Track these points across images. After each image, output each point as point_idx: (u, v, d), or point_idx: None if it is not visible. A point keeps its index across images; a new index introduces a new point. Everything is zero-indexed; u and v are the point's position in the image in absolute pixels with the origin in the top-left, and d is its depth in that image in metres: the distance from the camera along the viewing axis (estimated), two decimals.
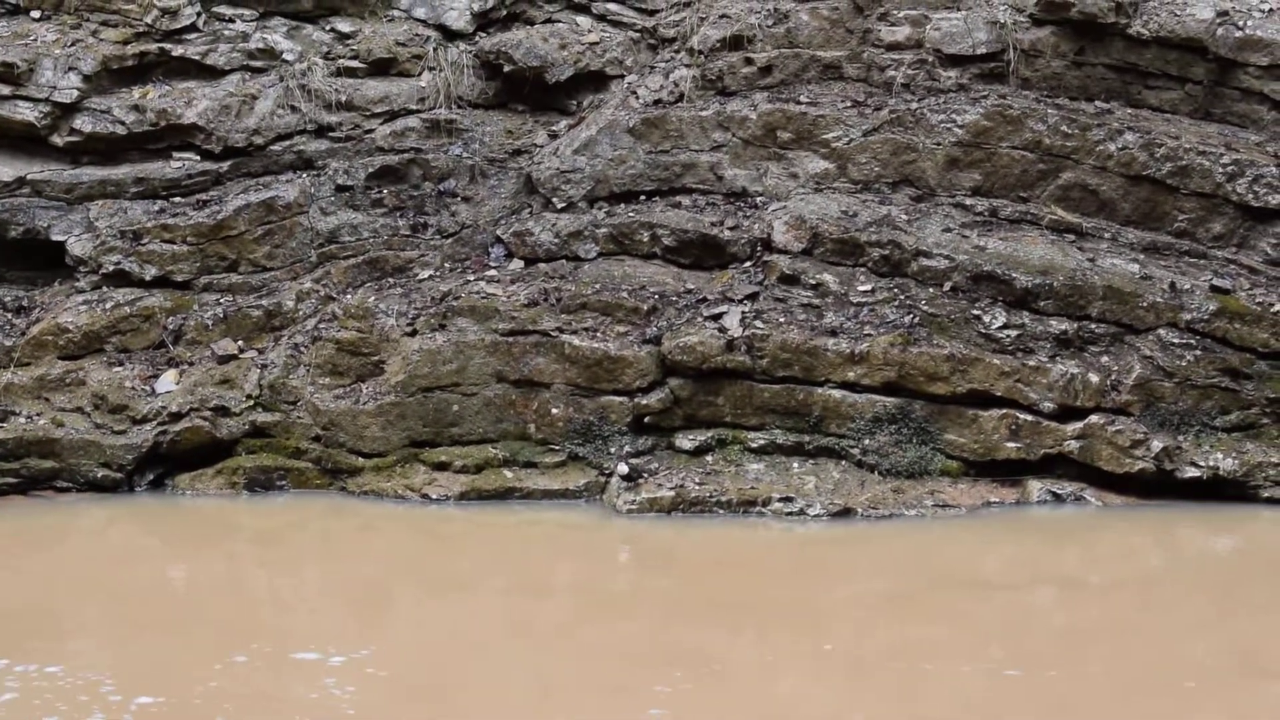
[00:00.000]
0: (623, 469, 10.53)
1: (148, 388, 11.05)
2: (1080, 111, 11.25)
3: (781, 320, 10.77)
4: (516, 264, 11.31)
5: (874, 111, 11.36)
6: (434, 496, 10.64)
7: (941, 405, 10.66)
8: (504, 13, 12.01)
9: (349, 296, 11.29)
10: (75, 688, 7.17)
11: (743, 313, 10.78)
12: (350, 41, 11.88)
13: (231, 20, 11.84)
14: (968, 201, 11.25)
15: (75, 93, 11.55)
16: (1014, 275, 10.82)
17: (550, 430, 10.77)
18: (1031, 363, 10.67)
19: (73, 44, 11.63)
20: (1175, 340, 10.74)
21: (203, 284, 11.45)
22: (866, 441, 10.63)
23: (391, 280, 11.41)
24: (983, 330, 10.72)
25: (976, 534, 9.97)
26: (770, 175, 11.41)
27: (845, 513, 10.26)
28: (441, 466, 10.77)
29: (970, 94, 11.35)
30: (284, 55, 11.79)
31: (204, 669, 7.41)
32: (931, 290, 10.86)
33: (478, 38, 11.96)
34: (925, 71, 11.39)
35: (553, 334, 10.82)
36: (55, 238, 11.57)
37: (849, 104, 11.41)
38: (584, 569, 9.49)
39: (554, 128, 11.80)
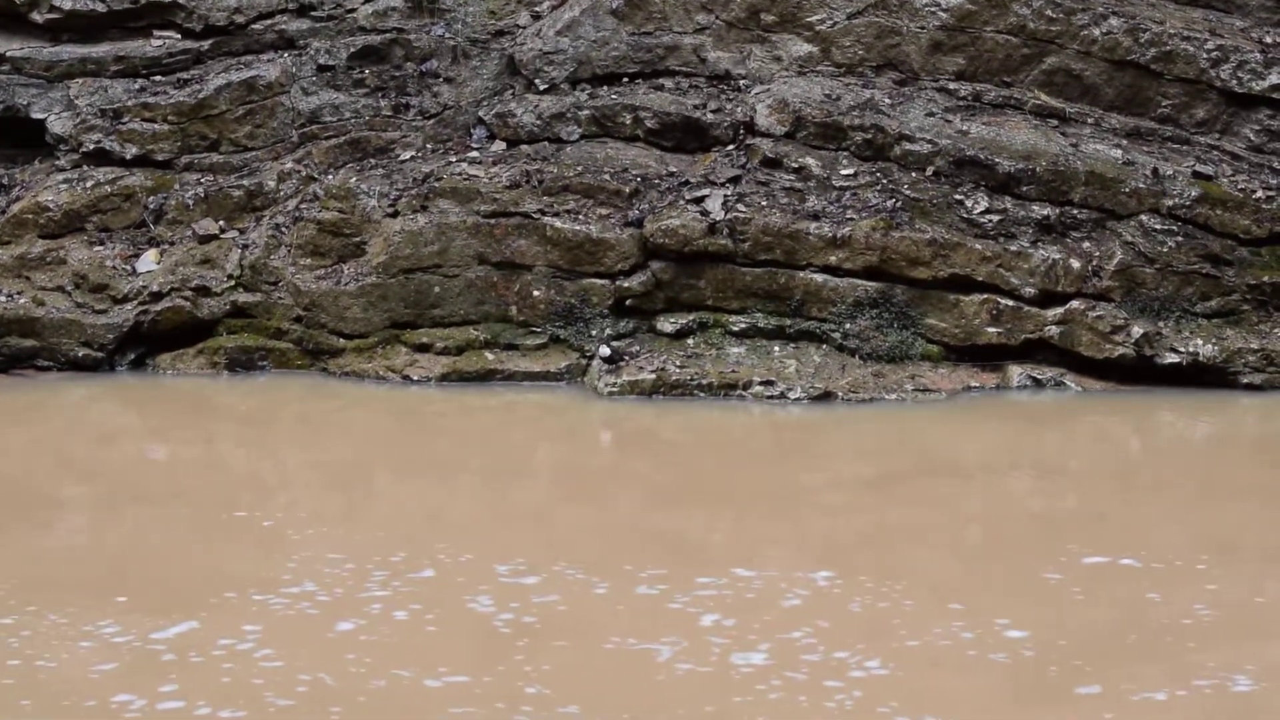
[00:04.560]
0: (604, 351, 10.54)
1: (129, 267, 11.04)
2: None
3: (764, 204, 10.75)
4: (498, 145, 11.28)
5: None
6: (415, 378, 10.65)
7: (923, 290, 10.67)
8: None
9: (330, 177, 11.25)
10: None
11: (725, 196, 10.76)
12: None
13: None
14: (951, 86, 11.21)
15: None
16: (997, 160, 10.80)
17: (532, 312, 10.77)
18: (1013, 248, 10.67)
19: None
20: (1157, 226, 10.74)
21: (184, 163, 11.41)
22: (848, 326, 10.64)
23: (373, 161, 11.37)
24: (965, 215, 10.72)
25: (956, 418, 9.99)
26: (754, 58, 11.36)
27: (826, 396, 10.28)
28: (423, 348, 10.78)
29: None
30: None
31: (184, 542, 7.48)
32: (914, 175, 10.84)
33: None
34: None
35: (534, 216, 10.80)
36: (35, 115, 11.53)
37: None
38: (564, 451, 9.51)
39: (537, 8, 11.73)
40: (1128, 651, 6.18)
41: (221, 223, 11.21)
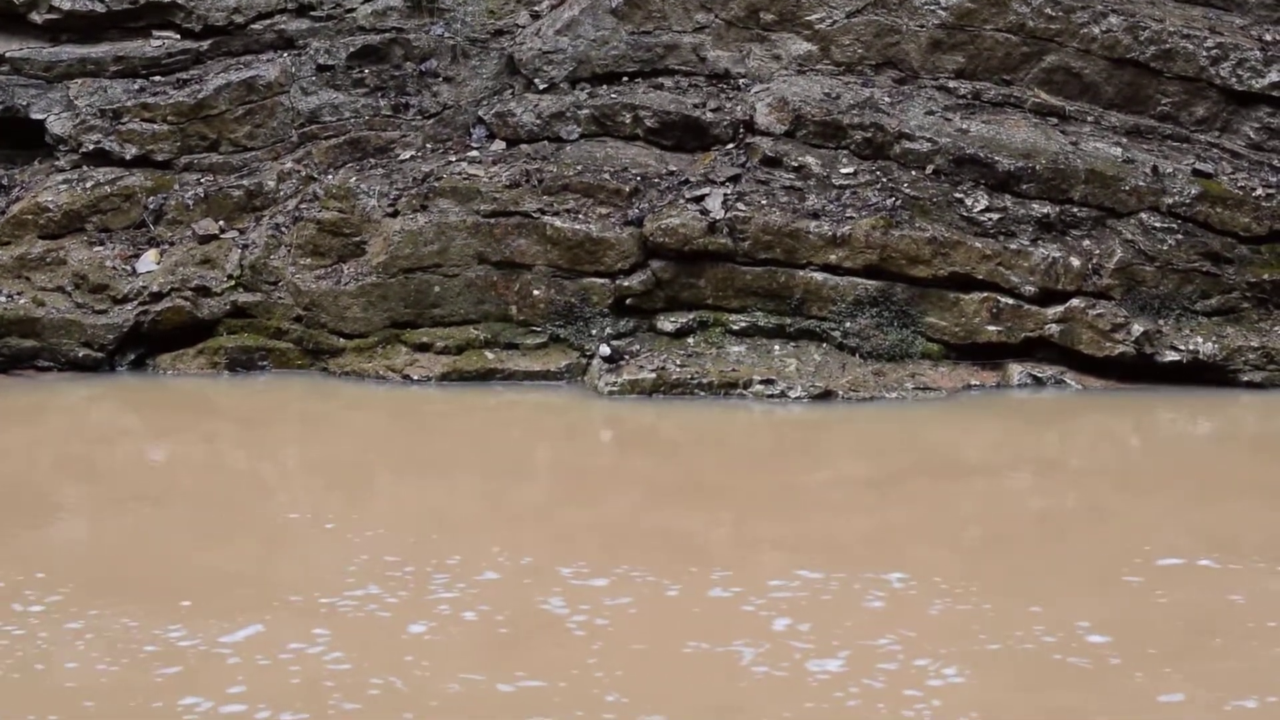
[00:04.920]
0: (604, 351, 10.54)
1: (128, 267, 11.04)
2: None
3: (763, 202, 10.75)
4: (498, 145, 11.28)
5: None
6: (415, 377, 10.65)
7: (923, 288, 10.67)
8: None
9: (330, 177, 11.25)
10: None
11: (725, 195, 10.76)
12: None
13: None
14: (951, 84, 11.21)
15: None
16: (996, 158, 10.80)
17: (532, 312, 10.77)
18: (1013, 246, 10.67)
19: None
20: (1157, 224, 10.74)
21: (183, 163, 11.41)
22: (848, 324, 10.64)
23: (373, 161, 11.37)
24: (965, 213, 10.72)
25: (957, 417, 9.99)
26: (753, 57, 11.36)
27: (826, 395, 10.28)
28: (423, 347, 10.78)
29: None
30: None
31: (181, 545, 7.45)
32: (914, 173, 10.84)
33: None
34: None
35: (534, 215, 10.80)
36: (35, 116, 11.54)
37: None
38: (564, 450, 9.51)
39: (536, 8, 11.73)
40: (1213, 654, 6.09)
41: (221, 223, 11.21)
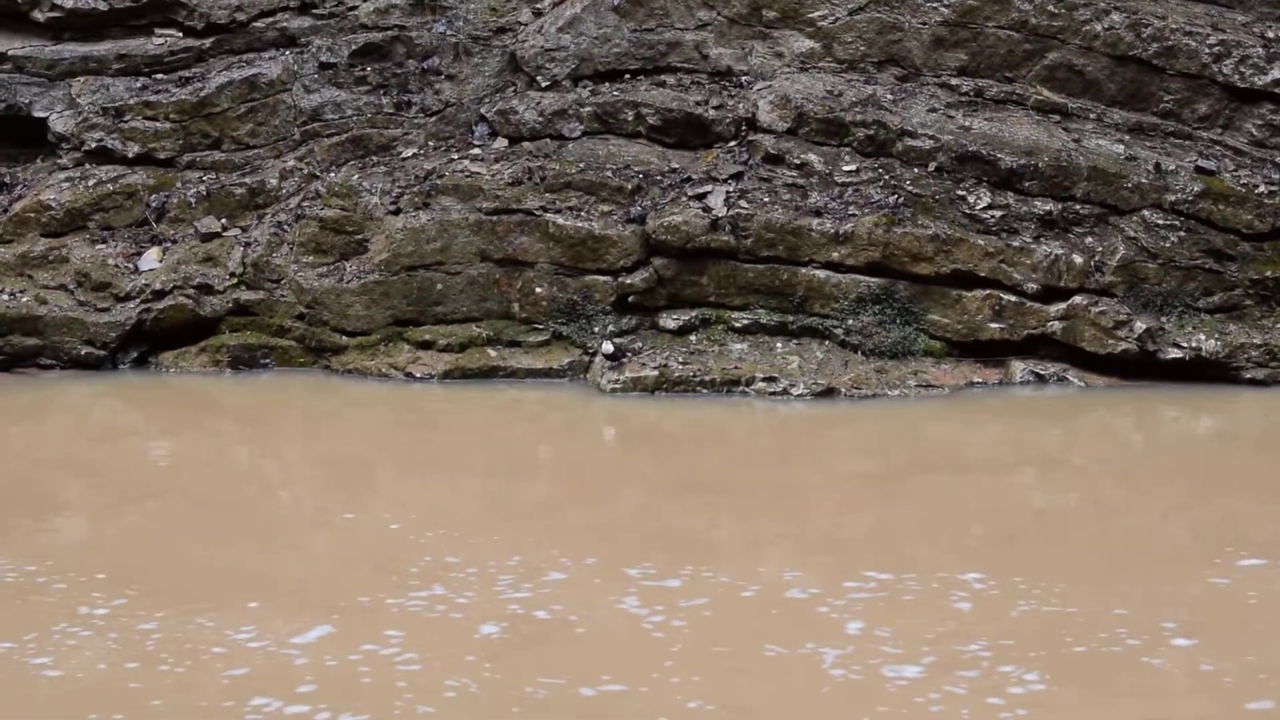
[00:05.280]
0: (607, 348, 10.54)
1: (131, 265, 11.04)
2: None
3: (766, 200, 10.75)
4: (500, 142, 11.28)
5: None
6: (418, 375, 10.65)
7: (925, 286, 10.67)
8: None
9: (332, 174, 11.26)
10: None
11: (727, 192, 10.76)
12: None
13: None
14: (953, 81, 11.21)
15: None
16: (999, 156, 10.79)
17: (534, 309, 10.77)
18: (1016, 243, 10.67)
19: None
20: (1160, 221, 10.74)
21: (186, 161, 11.42)
22: (850, 322, 10.64)
23: (375, 158, 11.37)
24: (967, 211, 10.72)
25: (959, 414, 9.99)
26: (755, 54, 11.36)
27: (829, 392, 10.28)
28: (425, 345, 10.78)
29: None
30: None
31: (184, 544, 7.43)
32: (916, 170, 10.84)
33: None
34: None
35: (537, 213, 10.80)
36: (37, 114, 11.55)
37: None
38: (567, 448, 9.50)
39: (538, 5, 11.73)
40: None
41: (224, 220, 11.22)
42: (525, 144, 11.23)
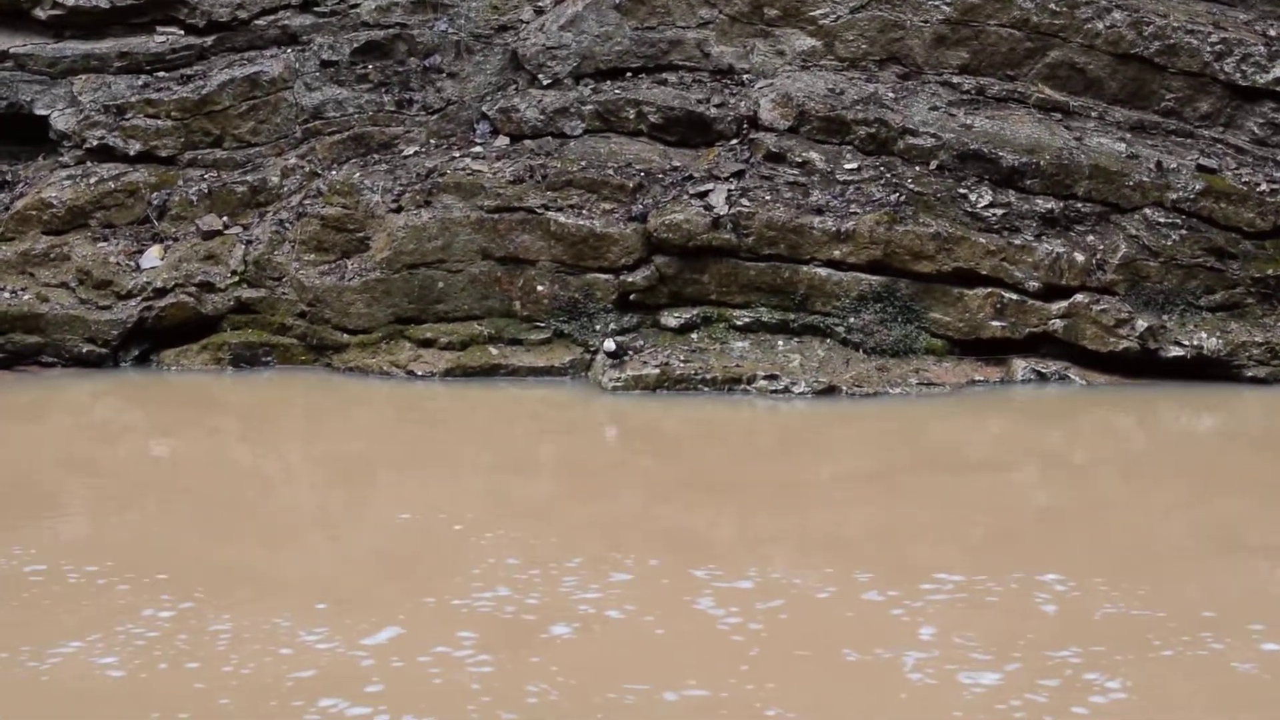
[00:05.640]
0: (609, 346, 10.54)
1: (132, 263, 11.04)
2: None
3: (767, 198, 10.75)
4: (502, 141, 11.28)
5: None
6: (419, 373, 10.66)
7: (927, 284, 10.67)
8: None
9: (334, 173, 11.26)
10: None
11: (729, 190, 10.76)
12: None
13: None
14: (955, 80, 11.21)
15: None
16: (1000, 154, 10.80)
17: (536, 307, 10.77)
18: (1017, 241, 10.67)
19: None
20: (1161, 220, 10.74)
21: (187, 159, 11.42)
22: (852, 320, 10.64)
23: (376, 156, 11.38)
24: (969, 209, 10.72)
25: (961, 412, 9.99)
26: (757, 52, 11.37)
27: (830, 391, 10.28)
28: (427, 343, 10.79)
29: None
30: None
31: (185, 544, 7.42)
32: (918, 169, 10.84)
33: None
34: None
35: (538, 211, 10.80)
36: (39, 112, 11.55)
37: None
38: (569, 446, 9.49)
39: (540, 3, 11.73)
40: None
41: (225, 219, 11.22)
42: (527, 142, 11.23)
